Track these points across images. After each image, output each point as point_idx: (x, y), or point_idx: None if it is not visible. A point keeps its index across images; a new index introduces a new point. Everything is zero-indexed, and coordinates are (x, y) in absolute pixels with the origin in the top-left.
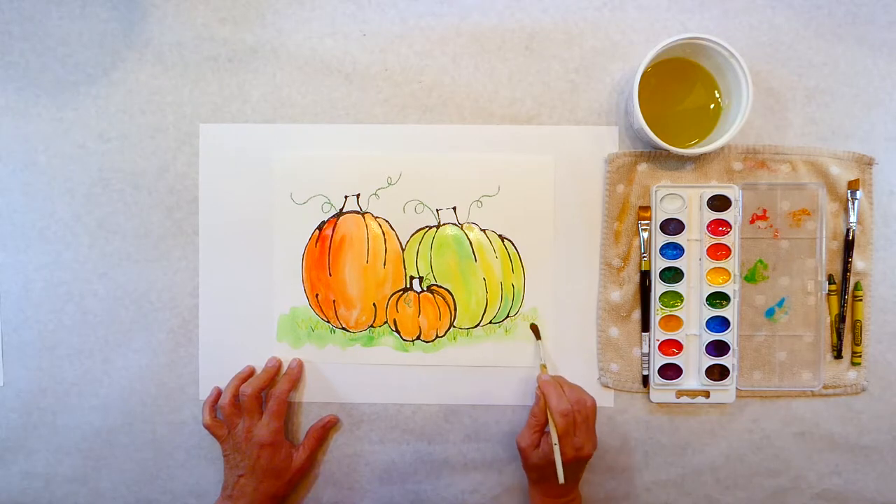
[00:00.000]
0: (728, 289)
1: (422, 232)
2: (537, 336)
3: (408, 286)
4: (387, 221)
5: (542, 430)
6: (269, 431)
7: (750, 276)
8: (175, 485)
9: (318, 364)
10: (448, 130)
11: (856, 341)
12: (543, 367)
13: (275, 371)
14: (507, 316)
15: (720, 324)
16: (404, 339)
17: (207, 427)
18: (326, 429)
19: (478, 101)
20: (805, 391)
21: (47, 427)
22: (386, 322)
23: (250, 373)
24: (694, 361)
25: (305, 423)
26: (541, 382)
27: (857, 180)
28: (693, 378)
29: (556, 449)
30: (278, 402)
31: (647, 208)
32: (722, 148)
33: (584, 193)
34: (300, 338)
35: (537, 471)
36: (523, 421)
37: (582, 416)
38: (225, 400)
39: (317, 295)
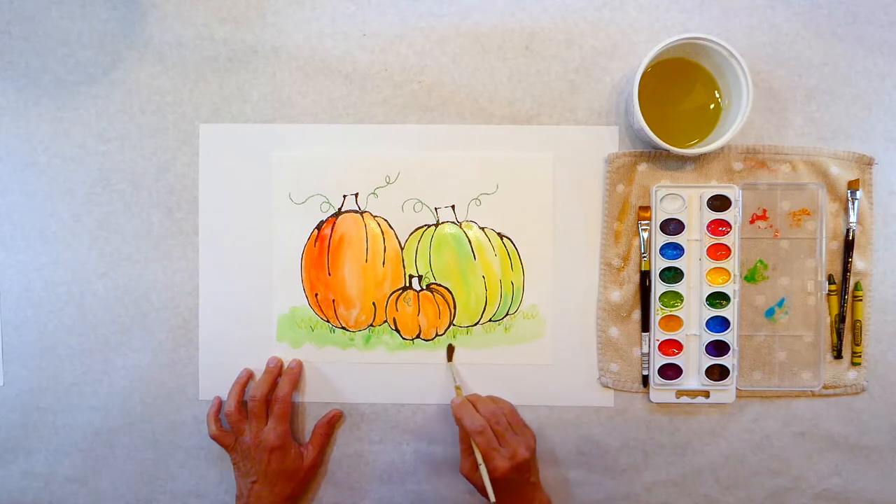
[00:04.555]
0: (728, 289)
1: (421, 230)
2: (449, 357)
3: (407, 285)
4: (385, 220)
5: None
6: (276, 435)
7: (750, 276)
8: (175, 485)
9: (318, 364)
10: (448, 130)
11: (856, 341)
12: (458, 389)
13: (277, 371)
14: (507, 314)
15: (720, 324)
16: (404, 338)
17: (214, 438)
18: (332, 424)
19: (478, 101)
20: (805, 391)
21: (47, 427)
22: (385, 321)
23: (249, 376)
24: (694, 361)
25: (307, 423)
26: (453, 408)
27: (857, 180)
28: (693, 378)
29: (483, 469)
30: (282, 404)
31: (647, 208)
32: (722, 148)
33: (584, 193)
34: (300, 338)
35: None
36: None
37: (502, 425)
38: (231, 407)
39: (316, 294)
